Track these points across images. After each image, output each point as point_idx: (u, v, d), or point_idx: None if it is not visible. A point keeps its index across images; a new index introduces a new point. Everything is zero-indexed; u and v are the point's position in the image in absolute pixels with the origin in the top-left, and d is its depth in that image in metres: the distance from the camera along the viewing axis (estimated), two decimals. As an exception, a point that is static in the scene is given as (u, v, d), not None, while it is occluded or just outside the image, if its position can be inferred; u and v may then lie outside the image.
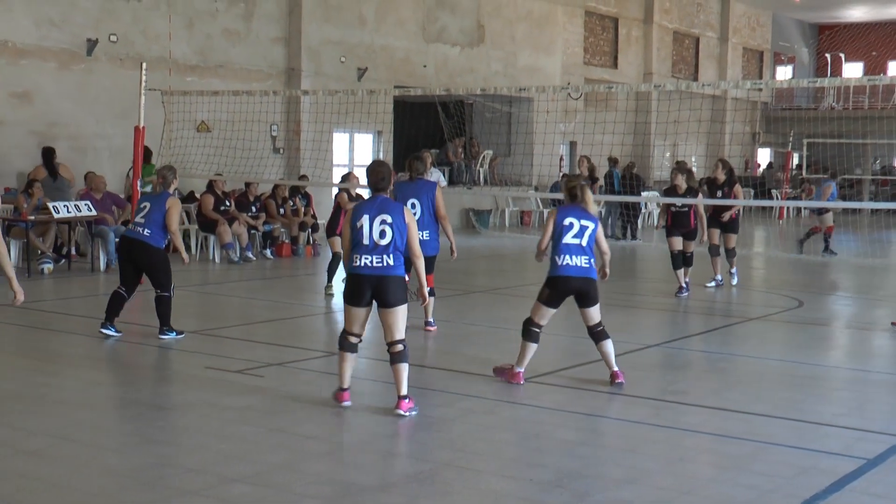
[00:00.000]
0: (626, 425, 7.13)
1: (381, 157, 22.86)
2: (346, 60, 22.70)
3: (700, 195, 13.88)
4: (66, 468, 5.94)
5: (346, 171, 19.34)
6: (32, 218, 14.64)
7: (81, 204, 15.13)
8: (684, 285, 13.66)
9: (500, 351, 9.25)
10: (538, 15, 28.33)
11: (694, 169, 29.67)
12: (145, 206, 9.94)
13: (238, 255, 16.77)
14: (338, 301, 12.23)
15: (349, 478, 5.97)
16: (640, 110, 31.11)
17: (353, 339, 7.30)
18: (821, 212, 19.83)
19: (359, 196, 13.21)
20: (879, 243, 23.12)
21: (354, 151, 23.67)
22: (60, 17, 17.78)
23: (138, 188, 14.27)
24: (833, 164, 33.71)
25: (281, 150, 21.77)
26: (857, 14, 42.39)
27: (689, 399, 7.94)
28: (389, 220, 7.12)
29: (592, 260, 8.15)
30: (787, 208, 31.93)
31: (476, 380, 8.33)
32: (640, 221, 24.52)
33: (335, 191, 14.00)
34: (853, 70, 44.21)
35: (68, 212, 14.78)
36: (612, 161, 23.83)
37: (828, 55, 43.96)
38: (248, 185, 17.89)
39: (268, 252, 17.72)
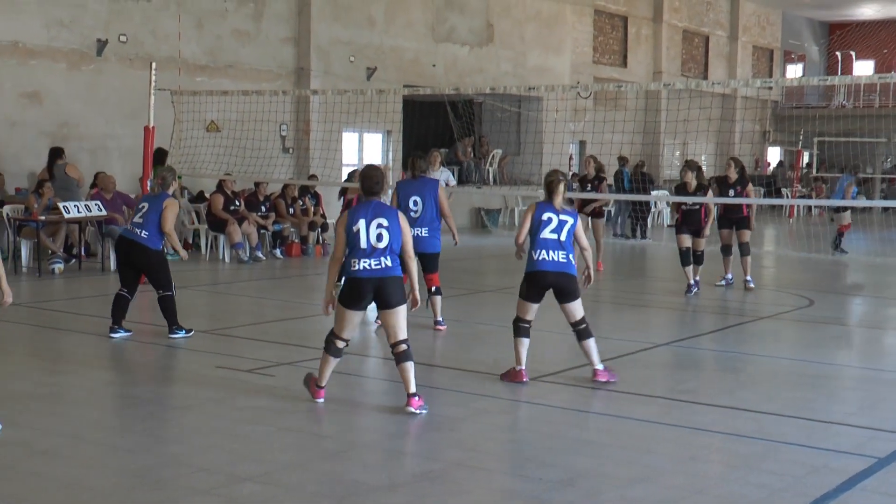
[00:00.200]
0: (636, 424, 7.12)
1: (390, 156, 22.86)
2: (356, 60, 22.71)
3: (710, 192, 13.79)
4: (79, 467, 5.96)
5: (354, 169, 19.38)
6: (43, 218, 14.68)
7: (92, 204, 15.17)
8: (693, 283, 13.59)
9: (510, 350, 9.20)
10: (547, 14, 28.30)
11: (704, 168, 29.66)
12: (143, 207, 9.96)
13: (248, 254, 16.80)
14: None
15: (359, 477, 5.98)
16: (649, 109, 31.03)
17: (341, 345, 7.34)
18: (839, 209, 19.65)
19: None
20: (890, 242, 23.06)
21: (364, 151, 23.68)
22: (70, 18, 17.83)
23: (149, 188, 14.30)
24: (841, 162, 33.66)
25: (290, 150, 21.79)
26: (868, 12, 42.25)
27: (700, 398, 7.92)
28: (386, 223, 7.17)
29: (571, 255, 8.12)
30: (798, 207, 31.83)
31: (486, 379, 8.33)
32: (649, 220, 24.47)
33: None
34: (864, 68, 44.06)
35: (78, 212, 14.82)
36: (622, 160, 23.80)
37: (838, 53, 43.82)
38: (257, 184, 17.91)
39: (277, 252, 17.73)
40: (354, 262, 7.16)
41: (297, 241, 18.21)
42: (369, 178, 7.31)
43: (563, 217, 8.08)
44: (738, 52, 38.94)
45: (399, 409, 7.26)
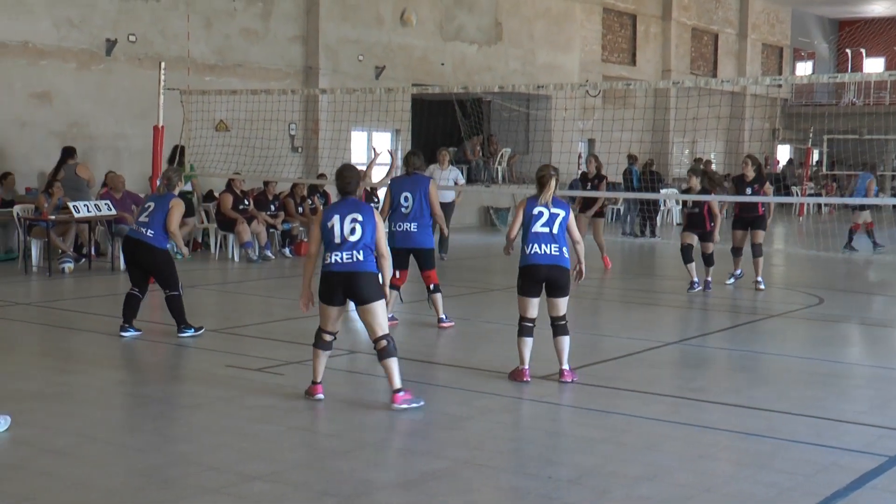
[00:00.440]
0: (644, 422, 7.11)
1: (400, 155, 22.85)
2: (364, 59, 22.73)
3: (715, 194, 13.65)
4: (88, 466, 5.98)
5: (362, 168, 19.37)
6: (53, 217, 14.73)
7: (101, 203, 15.22)
8: (696, 281, 13.49)
9: (516, 349, 9.22)
10: (556, 12, 28.28)
11: (713, 166, 29.63)
12: (149, 207, 9.98)
13: (257, 253, 16.83)
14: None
15: (368, 476, 5.99)
16: (658, 107, 30.99)
17: (328, 338, 7.41)
18: (859, 207, 19.53)
19: (373, 190, 13.28)
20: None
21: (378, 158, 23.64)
22: (79, 18, 17.88)
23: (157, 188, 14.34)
24: (849, 160, 33.55)
25: (299, 149, 21.82)
26: (878, 9, 42.11)
27: (709, 396, 7.91)
28: (360, 218, 7.23)
29: (564, 248, 8.11)
30: (808, 205, 31.75)
31: (494, 377, 8.33)
32: (658, 219, 24.42)
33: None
34: (874, 65, 43.92)
35: (88, 211, 14.87)
36: (631, 158, 23.76)
37: (848, 50, 43.70)
38: (266, 183, 17.94)
39: (286, 251, 17.76)
40: (327, 255, 7.25)
41: (305, 240, 18.23)
42: (342, 177, 7.41)
43: (554, 210, 8.09)
44: (747, 49, 38.85)
45: (406, 408, 7.26)
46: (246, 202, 17.25)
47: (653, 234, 23.06)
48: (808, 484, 5.79)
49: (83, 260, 15.48)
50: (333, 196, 19.83)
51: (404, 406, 7.18)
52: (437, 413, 7.27)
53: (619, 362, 9.15)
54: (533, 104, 27.23)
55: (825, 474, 5.96)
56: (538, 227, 8.06)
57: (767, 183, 14.07)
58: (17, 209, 15.24)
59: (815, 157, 37.16)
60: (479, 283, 14.92)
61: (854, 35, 43.92)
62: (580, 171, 16.46)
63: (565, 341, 8.17)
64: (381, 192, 13.15)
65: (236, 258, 16.89)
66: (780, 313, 12.38)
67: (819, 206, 32.66)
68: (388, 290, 7.56)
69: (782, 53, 42.01)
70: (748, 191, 13.74)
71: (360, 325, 8.40)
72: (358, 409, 7.25)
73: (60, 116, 17.73)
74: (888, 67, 43.00)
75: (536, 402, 7.71)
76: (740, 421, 7.22)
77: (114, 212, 15.24)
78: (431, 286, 10.61)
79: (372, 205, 9.08)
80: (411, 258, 10.68)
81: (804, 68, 44.14)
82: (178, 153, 16.87)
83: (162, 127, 14.60)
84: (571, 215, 8.23)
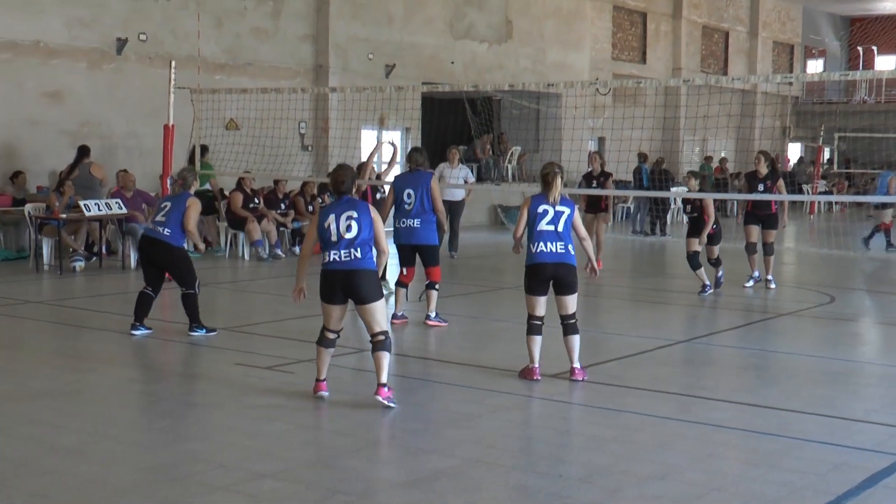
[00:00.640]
0: (655, 421, 7.09)
1: (401, 148, 22.86)
2: (374, 57, 22.73)
3: (710, 194, 13.43)
4: (99, 464, 5.99)
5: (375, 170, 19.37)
6: (64, 216, 14.77)
7: (112, 202, 15.26)
8: (708, 284, 13.18)
9: (525, 347, 9.22)
10: (566, 11, 28.25)
11: (729, 165, 29.50)
12: (166, 206, 10.02)
13: (267, 252, 16.85)
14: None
15: (377, 474, 5.99)
16: (668, 105, 30.94)
17: (331, 336, 7.42)
18: (880, 206, 19.42)
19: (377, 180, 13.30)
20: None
21: (382, 148, 23.65)
22: (90, 17, 17.93)
23: (168, 186, 14.37)
24: (859, 158, 33.43)
25: (309, 148, 21.83)
26: (889, 6, 41.95)
27: (719, 395, 7.89)
28: (356, 215, 7.24)
29: (570, 246, 8.10)
30: (819, 203, 31.65)
31: (504, 376, 8.32)
32: (668, 217, 24.37)
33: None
34: (886, 63, 43.75)
35: (99, 210, 14.90)
36: (642, 157, 23.72)
37: (859, 48, 43.54)
38: (276, 182, 17.96)
39: (297, 249, 17.76)
40: (325, 255, 7.29)
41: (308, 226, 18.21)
42: (335, 176, 7.41)
43: (559, 208, 8.08)
44: (758, 47, 38.76)
45: (416, 406, 7.26)
46: (256, 201, 17.27)
47: (663, 232, 23.02)
48: (820, 483, 5.76)
49: (94, 258, 15.52)
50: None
51: (385, 402, 7.15)
52: (446, 411, 7.27)
53: (629, 361, 9.13)
54: (543, 102, 27.21)
55: (837, 473, 5.94)
56: (543, 225, 8.05)
57: (781, 180, 13.76)
58: (28, 208, 15.29)
59: (826, 155, 37.04)
60: (489, 281, 14.91)
61: (865, 32, 43.77)
62: (588, 171, 16.30)
63: (575, 340, 8.16)
64: (386, 188, 13.15)
65: (246, 257, 16.91)
66: (790, 312, 12.34)
67: (830, 204, 32.56)
68: (388, 277, 7.57)
69: (793, 51, 41.89)
70: (760, 187, 13.53)
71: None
72: (367, 408, 7.24)
73: (71, 116, 17.78)
74: (900, 65, 42.85)
75: (547, 400, 7.70)
76: (751, 420, 7.20)
77: (124, 210, 15.28)
78: (429, 282, 10.60)
79: (371, 202, 9.10)
80: (417, 256, 10.68)
81: (815, 66, 44.00)
82: (198, 152, 16.96)
83: (172, 126, 14.62)
84: (577, 212, 8.22)
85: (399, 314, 10.73)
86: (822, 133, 33.79)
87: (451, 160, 17.11)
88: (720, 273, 13.53)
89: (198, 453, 6.21)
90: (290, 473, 5.83)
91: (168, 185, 14.37)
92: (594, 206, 15.84)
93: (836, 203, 32.06)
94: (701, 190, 13.31)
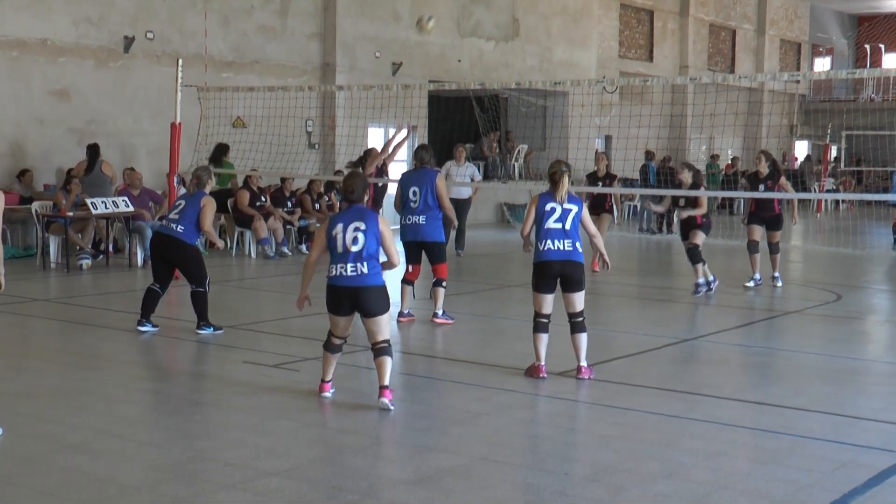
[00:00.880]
0: (661, 419, 7.10)
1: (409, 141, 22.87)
2: (381, 56, 22.73)
3: (704, 188, 13.01)
4: (108, 462, 6.01)
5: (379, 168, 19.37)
6: (71, 214, 14.80)
7: (119, 200, 15.28)
8: (701, 282, 12.90)
9: (532, 345, 9.22)
10: (573, 9, 28.23)
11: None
12: (180, 204, 10.06)
13: (274, 250, 16.87)
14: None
15: (385, 472, 6.00)
16: (675, 103, 30.93)
17: (338, 342, 7.41)
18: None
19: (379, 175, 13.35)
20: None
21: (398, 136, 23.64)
22: (98, 16, 17.96)
23: (175, 184, 14.39)
24: (867, 156, 33.32)
25: (316, 146, 21.85)
26: (896, 4, 41.90)
27: (726, 393, 7.89)
28: (363, 227, 7.13)
29: (578, 243, 8.10)
30: (826, 201, 31.60)
31: (511, 374, 8.33)
32: (675, 215, 24.29)
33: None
34: (893, 61, 43.66)
35: (106, 208, 14.93)
36: (649, 155, 23.72)
37: (867, 46, 43.44)
38: (283, 180, 17.98)
39: (303, 247, 17.79)
40: (332, 267, 7.20)
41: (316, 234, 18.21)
42: (344, 185, 7.33)
43: (567, 206, 8.09)
44: (765, 45, 38.69)
45: (422, 404, 7.27)
46: (263, 199, 17.29)
47: (669, 230, 22.99)
48: (826, 481, 5.76)
49: (101, 256, 15.55)
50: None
51: (389, 404, 7.12)
52: (453, 409, 7.28)
53: (635, 359, 9.14)
54: (550, 100, 27.20)
55: (843, 471, 5.94)
56: (551, 223, 8.06)
57: (783, 178, 13.60)
58: (35, 206, 15.33)
59: (833, 153, 36.98)
60: (495, 279, 14.92)
61: (873, 30, 43.66)
62: (595, 170, 16.22)
63: (583, 338, 8.17)
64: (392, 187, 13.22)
65: (253, 255, 16.94)
66: (797, 310, 12.33)
67: (837, 202, 32.51)
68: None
69: (800, 49, 41.81)
70: (761, 188, 13.38)
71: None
72: (373, 406, 7.25)
73: (79, 114, 17.81)
74: (907, 63, 42.76)
75: (553, 398, 7.70)
76: (758, 418, 7.20)
77: (131, 208, 15.31)
78: (436, 279, 10.63)
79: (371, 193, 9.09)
80: (423, 254, 10.70)
81: (822, 64, 43.92)
82: (222, 150, 17.10)
83: (179, 124, 14.64)
84: (585, 210, 8.23)
85: (405, 312, 10.74)
86: (829, 131, 33.73)
87: (458, 158, 17.12)
88: (711, 277, 13.10)
89: (205, 451, 6.23)
90: (297, 471, 5.85)
91: (175, 184, 14.38)
92: (598, 207, 15.76)
93: (843, 201, 32.00)
94: (695, 183, 12.98)
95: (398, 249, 7.65)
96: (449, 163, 17.00)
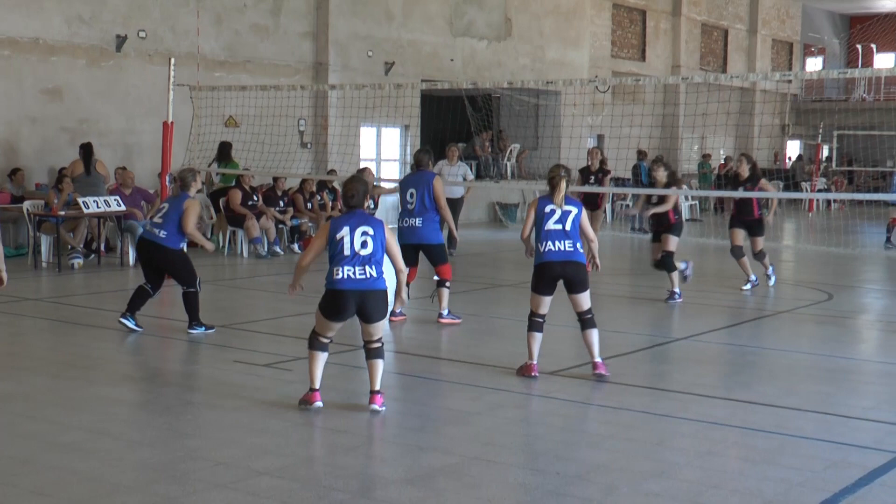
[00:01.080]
0: (653, 419, 7.11)
1: (409, 150, 22.87)
2: (374, 55, 22.73)
3: (675, 188, 12.62)
4: (99, 461, 6.00)
5: (369, 164, 19.40)
6: (63, 213, 14.77)
7: (111, 199, 15.25)
8: (678, 290, 12.51)
9: (525, 344, 9.23)
10: (566, 8, 28.24)
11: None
12: (164, 207, 10.02)
13: (266, 249, 16.86)
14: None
15: (377, 471, 6.00)
16: (668, 103, 30.97)
17: (325, 340, 7.22)
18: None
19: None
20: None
21: (382, 146, 23.71)
22: (90, 14, 17.92)
23: (167, 184, 14.38)
24: (859, 155, 33.40)
25: (308, 145, 21.83)
26: (889, 4, 41.96)
27: (718, 392, 7.91)
28: (371, 231, 7.02)
29: (578, 244, 8.12)
30: (818, 201, 31.68)
31: (503, 373, 8.34)
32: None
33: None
34: (885, 61, 43.77)
35: (98, 207, 14.90)
36: (640, 154, 23.73)
37: (859, 46, 43.55)
38: (275, 179, 17.96)
39: (295, 246, 17.78)
40: (337, 270, 7.01)
41: (314, 235, 18.22)
42: (345, 190, 7.22)
43: (566, 207, 8.11)
44: (757, 45, 38.76)
45: (415, 403, 7.27)
46: (255, 198, 17.27)
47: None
48: (818, 480, 5.78)
49: (93, 256, 15.53)
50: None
51: (379, 408, 7.06)
52: (445, 409, 7.28)
53: (627, 358, 9.15)
54: (542, 100, 27.21)
55: (834, 470, 5.96)
56: (551, 225, 8.08)
57: (763, 180, 13.39)
58: (27, 205, 15.29)
59: (825, 153, 37.07)
60: (488, 278, 14.93)
61: (865, 31, 43.78)
62: (588, 164, 16.21)
63: (594, 334, 8.19)
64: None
65: (245, 254, 16.92)
66: (788, 309, 12.36)
67: (829, 201, 32.59)
68: (403, 293, 7.64)
69: (792, 49, 41.89)
70: (741, 190, 13.23)
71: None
72: (365, 405, 7.25)
73: (71, 112, 17.77)
74: (899, 63, 42.88)
75: (545, 397, 7.71)
76: (749, 417, 7.22)
77: (123, 208, 15.28)
78: (439, 280, 10.65)
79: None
80: (420, 255, 10.74)
81: (814, 64, 44.01)
82: (225, 149, 17.12)
83: (171, 123, 14.63)
84: (584, 212, 8.25)
85: (398, 311, 10.74)
86: (820, 131, 33.81)
87: (450, 158, 17.13)
88: (676, 289, 12.60)
89: (196, 450, 6.22)
90: (289, 471, 5.85)
91: (167, 183, 14.37)
92: (590, 205, 15.78)
93: (835, 201, 32.08)
94: (669, 182, 12.71)
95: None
96: (441, 162, 17.01)
